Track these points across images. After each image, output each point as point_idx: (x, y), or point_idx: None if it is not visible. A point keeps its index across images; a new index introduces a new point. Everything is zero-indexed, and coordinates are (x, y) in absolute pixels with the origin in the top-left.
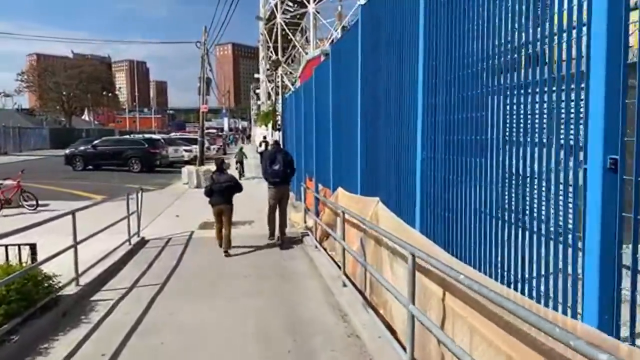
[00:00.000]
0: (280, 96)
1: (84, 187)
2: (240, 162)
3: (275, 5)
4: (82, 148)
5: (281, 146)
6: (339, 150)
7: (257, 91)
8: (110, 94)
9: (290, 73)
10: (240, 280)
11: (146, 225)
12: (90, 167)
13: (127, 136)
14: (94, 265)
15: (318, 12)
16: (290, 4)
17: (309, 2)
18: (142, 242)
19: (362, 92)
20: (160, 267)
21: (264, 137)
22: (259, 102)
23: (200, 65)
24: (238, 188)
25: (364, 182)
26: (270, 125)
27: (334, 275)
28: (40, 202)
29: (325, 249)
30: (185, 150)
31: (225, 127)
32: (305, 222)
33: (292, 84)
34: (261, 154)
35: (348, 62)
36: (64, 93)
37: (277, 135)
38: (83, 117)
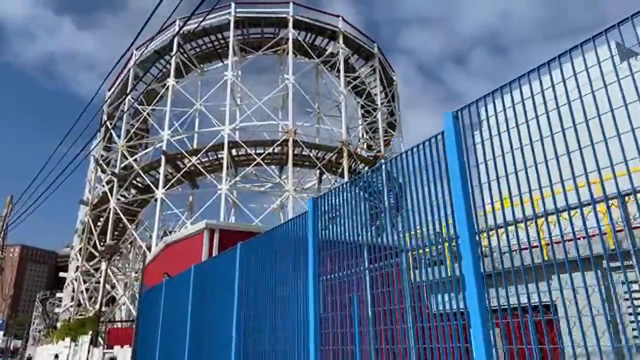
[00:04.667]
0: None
1: None
2: None
3: (110, 190)
4: None
5: None
6: None
7: (59, 295)
8: None
9: (118, 269)
10: None
11: None
12: None
13: None
14: None
15: (164, 201)
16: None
17: (157, 188)
18: None
19: None
20: None
21: (56, 357)
22: (57, 310)
23: None
24: None
25: None
26: (85, 338)
27: None
28: None
29: None
30: None
31: None
32: None
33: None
34: None
35: None
36: None
37: (105, 353)
38: None
